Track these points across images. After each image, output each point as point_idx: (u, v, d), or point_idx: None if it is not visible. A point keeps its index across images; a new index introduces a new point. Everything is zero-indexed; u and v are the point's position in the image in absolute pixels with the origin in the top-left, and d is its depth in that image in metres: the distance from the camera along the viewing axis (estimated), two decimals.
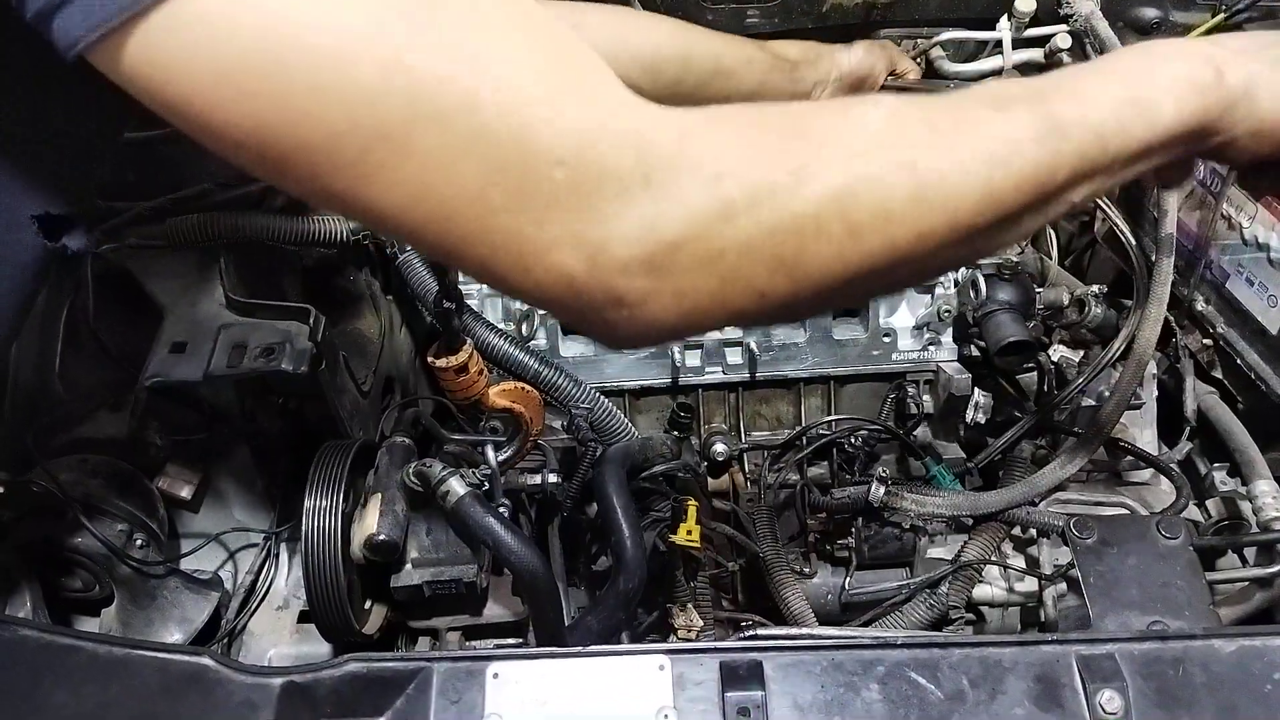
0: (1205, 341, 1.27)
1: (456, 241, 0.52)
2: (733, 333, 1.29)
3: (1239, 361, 1.21)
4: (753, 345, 1.27)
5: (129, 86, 0.50)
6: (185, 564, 1.22)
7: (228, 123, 0.49)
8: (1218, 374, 1.27)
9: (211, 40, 0.47)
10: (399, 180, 0.50)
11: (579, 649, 0.78)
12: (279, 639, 1.18)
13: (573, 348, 1.31)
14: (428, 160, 0.49)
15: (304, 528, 0.98)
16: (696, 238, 0.52)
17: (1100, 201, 1.32)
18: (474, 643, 1.10)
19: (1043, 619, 1.16)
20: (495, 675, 0.76)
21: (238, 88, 0.48)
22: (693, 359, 1.30)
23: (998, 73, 1.31)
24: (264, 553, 1.22)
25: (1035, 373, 1.29)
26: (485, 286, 1.29)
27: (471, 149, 0.49)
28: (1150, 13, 1.28)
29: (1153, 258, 1.22)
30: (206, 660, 0.78)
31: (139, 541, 1.13)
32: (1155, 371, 1.31)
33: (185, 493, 1.19)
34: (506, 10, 0.52)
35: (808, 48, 1.29)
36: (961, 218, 0.55)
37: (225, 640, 1.18)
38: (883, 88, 1.32)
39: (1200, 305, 1.26)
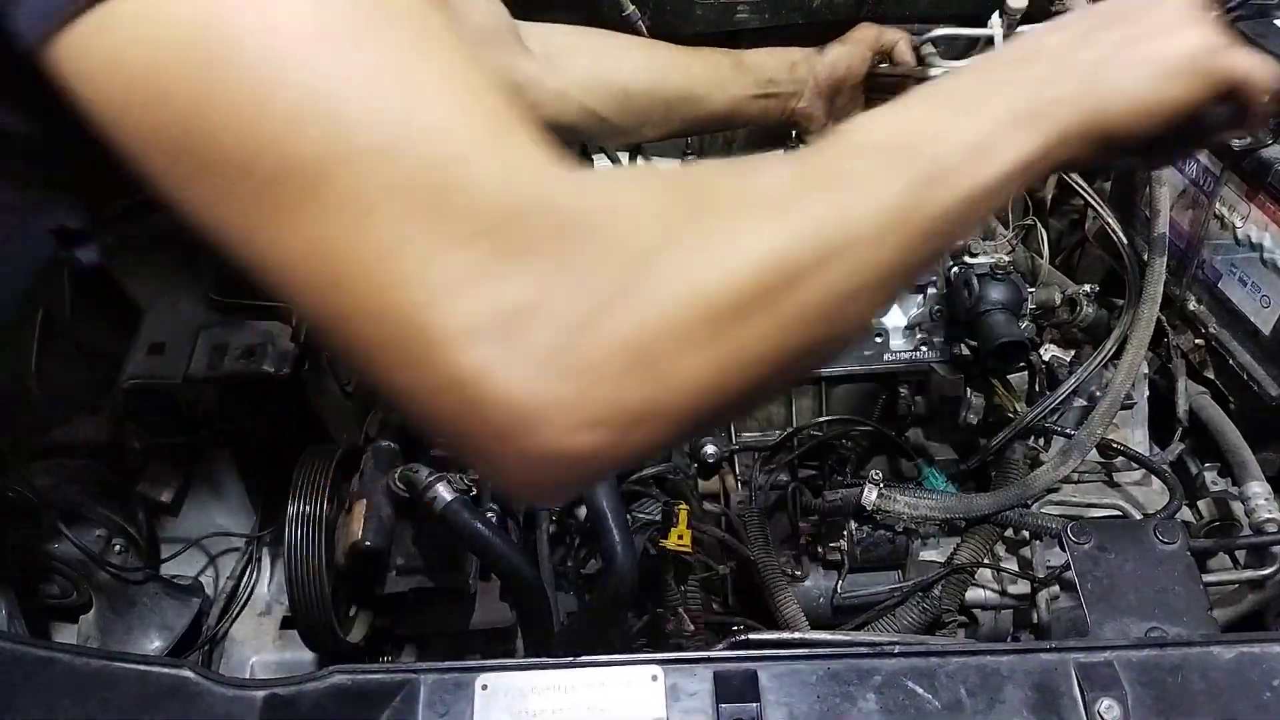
0: (1197, 341, 1.27)
1: (348, 312, 0.46)
2: None
3: (1231, 362, 1.20)
4: None
5: (71, 88, 0.47)
6: (165, 569, 1.20)
7: (143, 125, 0.46)
8: (1210, 374, 1.27)
9: (142, 37, 0.45)
10: (299, 225, 0.45)
11: (570, 659, 0.76)
12: (261, 646, 1.17)
13: None
14: (335, 207, 0.45)
15: (287, 535, 0.96)
16: (619, 318, 0.46)
17: (1091, 200, 1.31)
18: (461, 650, 1.09)
19: (1036, 621, 1.15)
20: (484, 686, 0.74)
21: (159, 88, 0.45)
22: None
23: None
24: (246, 557, 1.21)
25: (1027, 373, 1.28)
26: None
27: (389, 205, 0.45)
28: None
29: (1145, 257, 1.21)
30: (187, 672, 0.76)
31: (118, 547, 1.12)
32: (1147, 372, 1.30)
33: (165, 496, 1.18)
34: (445, 57, 0.49)
35: (782, 59, 1.28)
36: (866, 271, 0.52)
37: (206, 647, 1.16)
38: (876, 76, 1.31)
39: (1192, 305, 1.25)
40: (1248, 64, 0.67)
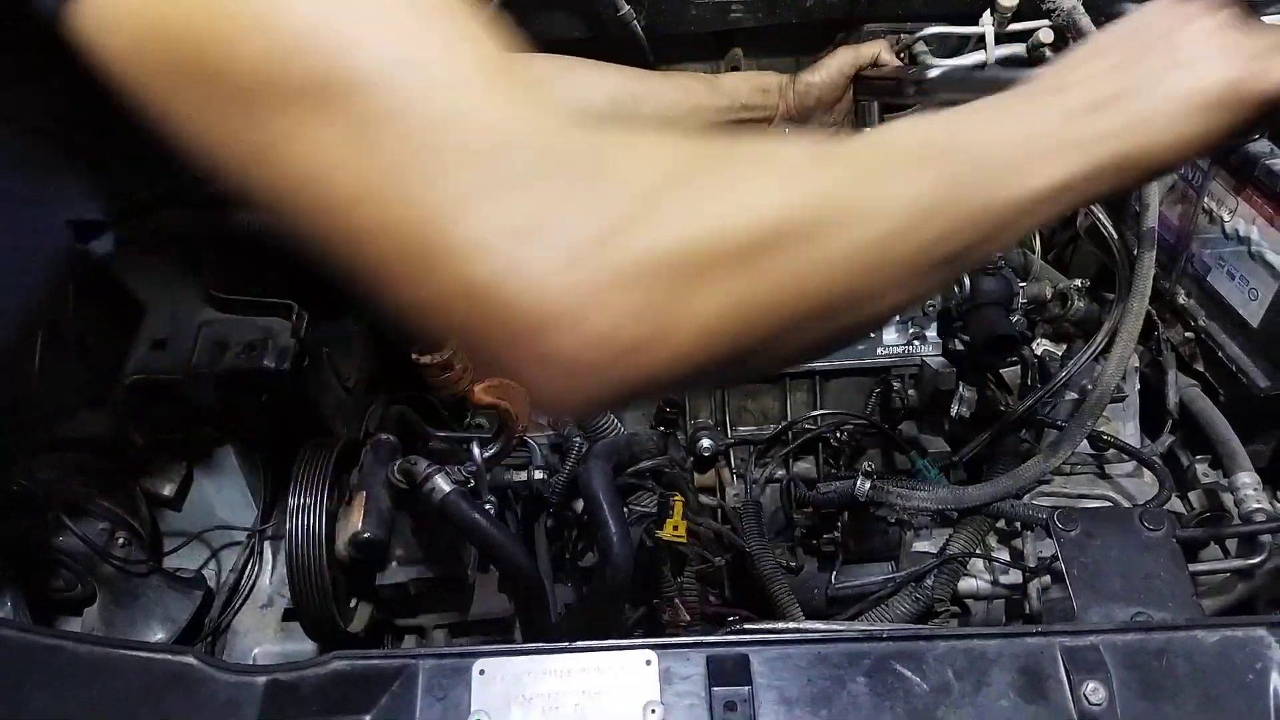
0: (1187, 334, 1.28)
1: (358, 230, 0.48)
2: None
3: (1220, 354, 1.21)
4: None
5: (89, 47, 0.48)
6: (168, 563, 1.21)
7: (160, 66, 0.48)
8: (1199, 367, 1.28)
9: None
10: (310, 145, 0.46)
11: (565, 644, 0.78)
12: (264, 637, 1.18)
13: None
14: (350, 126, 0.46)
15: (288, 527, 0.98)
16: (630, 243, 0.47)
17: None
18: (460, 640, 1.10)
19: (1027, 611, 1.16)
20: (481, 672, 0.75)
21: (175, 24, 0.47)
22: None
23: (981, 68, 1.31)
24: (248, 551, 1.22)
25: (1019, 366, 1.29)
26: None
27: (396, 123, 0.46)
28: (1132, 7, 1.29)
29: (1135, 251, 1.22)
30: (190, 659, 0.77)
31: (121, 540, 1.13)
32: (1138, 364, 1.32)
33: (167, 491, 1.19)
34: (456, 7, 0.50)
35: (756, 83, 1.29)
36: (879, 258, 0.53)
37: (209, 639, 1.17)
38: (863, 78, 1.32)
39: (1182, 298, 1.26)
40: None
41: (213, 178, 0.51)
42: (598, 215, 0.47)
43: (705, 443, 1.32)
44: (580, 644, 0.77)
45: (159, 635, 1.14)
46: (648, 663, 0.75)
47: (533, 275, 0.46)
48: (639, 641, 0.77)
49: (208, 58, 0.47)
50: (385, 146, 0.46)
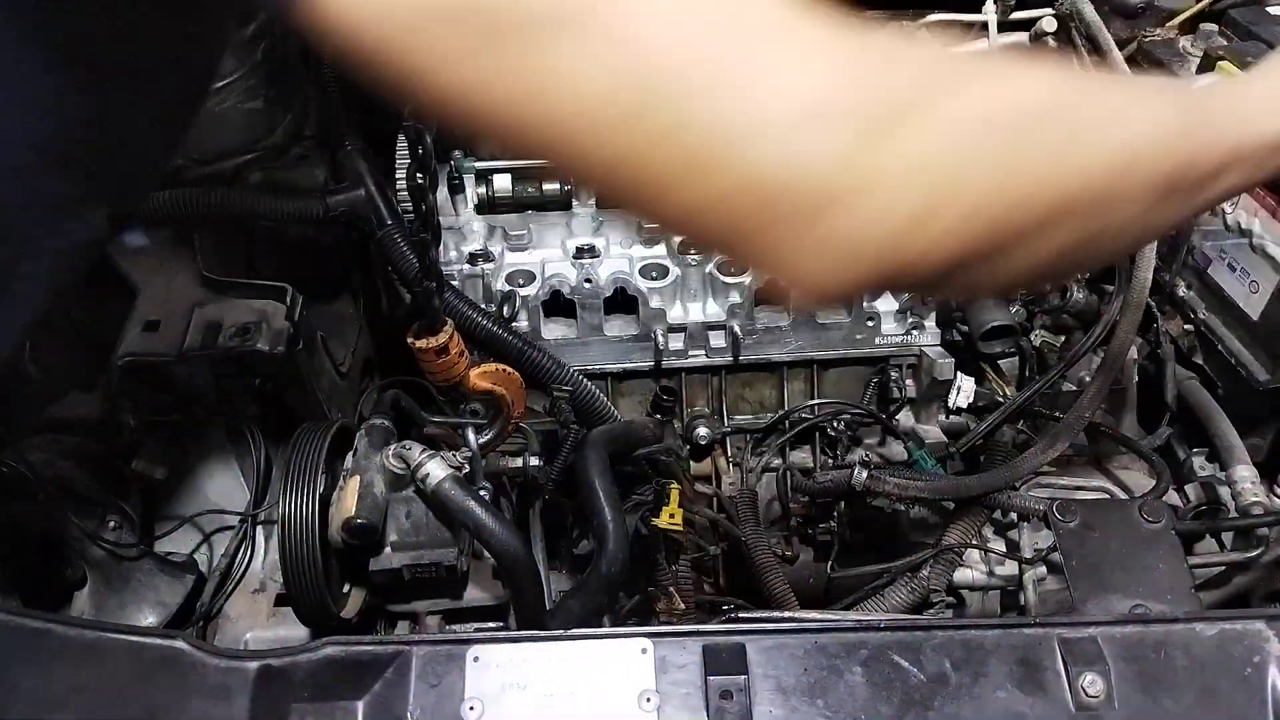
0: (1186, 327, 1.28)
1: (644, 140, 0.49)
2: (716, 315, 1.28)
3: (1220, 347, 1.21)
4: (736, 328, 1.27)
5: (329, 32, 0.48)
6: (160, 546, 1.20)
7: (417, 28, 0.47)
8: (1198, 359, 1.28)
9: None
10: (588, 64, 0.47)
11: (560, 632, 0.77)
12: (255, 622, 1.17)
13: (555, 330, 1.30)
14: (623, 41, 0.47)
15: (280, 511, 0.97)
16: (907, 125, 0.49)
17: None
18: (454, 626, 1.09)
19: (1023, 602, 1.16)
20: (475, 659, 0.75)
21: None
22: (676, 342, 1.29)
23: None
24: (240, 535, 1.21)
25: (1017, 357, 1.29)
26: (466, 266, 1.27)
27: (668, 28, 0.47)
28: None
29: None
30: (180, 644, 0.76)
31: (112, 523, 1.12)
32: (1136, 357, 1.31)
33: (159, 474, 1.17)
34: None
35: None
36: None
37: (201, 623, 1.16)
38: None
39: (1182, 291, 1.26)
40: None
41: (461, 128, 0.52)
42: (880, 92, 0.49)
43: (702, 431, 1.31)
44: (575, 632, 0.77)
45: (150, 619, 1.13)
46: (643, 651, 0.75)
47: (815, 157, 0.48)
48: (634, 630, 0.77)
49: (472, 3, 0.47)
50: (661, 51, 0.47)
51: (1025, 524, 1.18)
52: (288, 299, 1.12)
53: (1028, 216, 0.54)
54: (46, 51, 0.56)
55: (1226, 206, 1.19)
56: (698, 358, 1.31)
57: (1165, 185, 0.59)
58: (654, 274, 1.27)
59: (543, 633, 0.77)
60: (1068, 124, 0.54)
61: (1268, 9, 1.29)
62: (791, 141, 0.48)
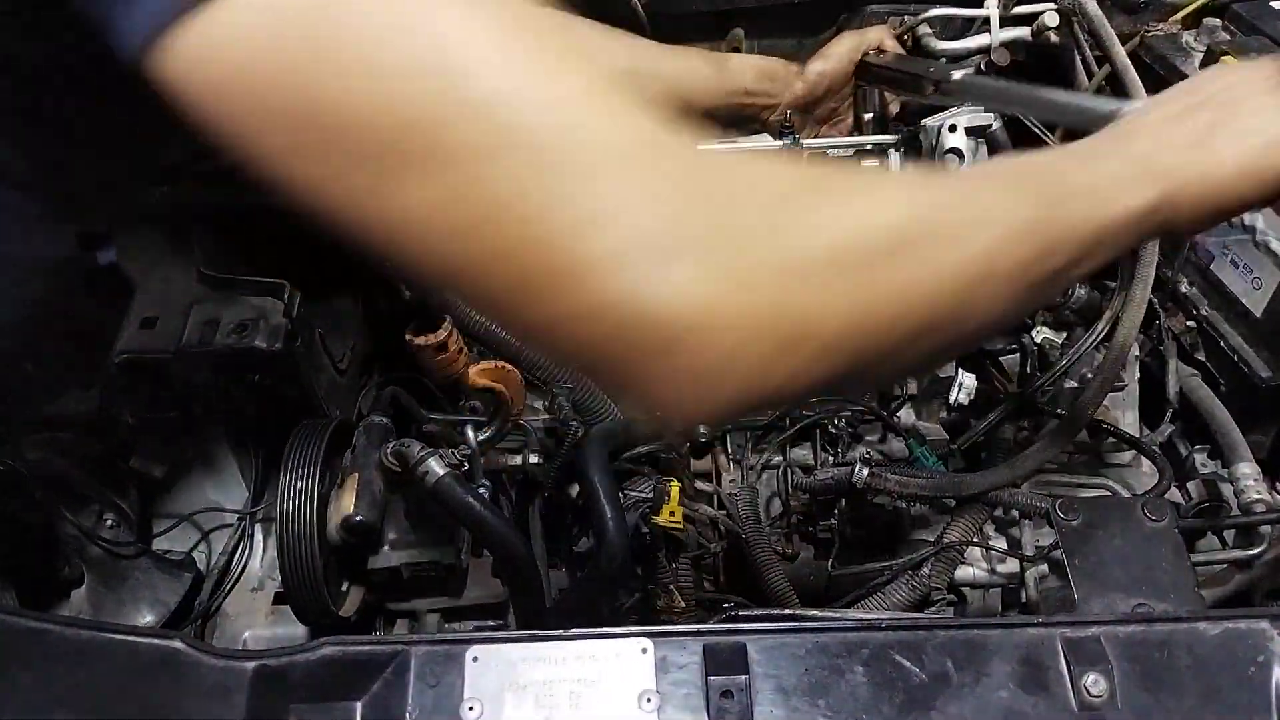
0: (1189, 324, 1.27)
1: (480, 257, 0.48)
2: None
3: (1222, 344, 1.21)
4: None
5: (176, 88, 0.48)
6: (158, 545, 1.20)
7: (257, 109, 0.47)
8: (1201, 356, 1.27)
9: (253, 22, 0.45)
10: (428, 178, 0.46)
11: (560, 631, 0.77)
12: (254, 621, 1.17)
13: None
14: (462, 156, 0.46)
15: (279, 509, 0.97)
16: (755, 265, 0.48)
17: None
18: (453, 625, 1.09)
19: (1024, 600, 1.16)
20: (475, 658, 0.74)
21: (275, 67, 0.46)
22: None
23: (985, 50, 1.30)
24: (238, 533, 1.21)
25: (1018, 354, 1.28)
26: None
27: (512, 147, 0.46)
28: None
29: None
30: (178, 643, 0.76)
31: (109, 522, 1.11)
32: (1138, 353, 1.31)
33: (157, 471, 1.17)
34: (543, 29, 0.50)
35: (762, 71, 1.28)
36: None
37: (199, 622, 1.16)
38: (866, 64, 1.30)
39: (1184, 287, 1.26)
40: None
41: (306, 215, 0.50)
42: (727, 227, 0.48)
43: (702, 428, 1.30)
44: (575, 631, 0.76)
45: (148, 618, 1.13)
46: (643, 651, 0.74)
47: (666, 288, 0.46)
48: (635, 630, 0.76)
49: (311, 103, 0.46)
50: (506, 173, 0.46)
51: (1027, 521, 1.18)
52: (286, 295, 1.11)
53: (885, 341, 0.53)
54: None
55: None
56: None
57: (1025, 281, 0.59)
58: None
59: (542, 632, 0.76)
60: (919, 247, 0.53)
61: (1271, 3, 1.28)
62: (634, 273, 0.46)
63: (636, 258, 0.46)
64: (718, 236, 0.48)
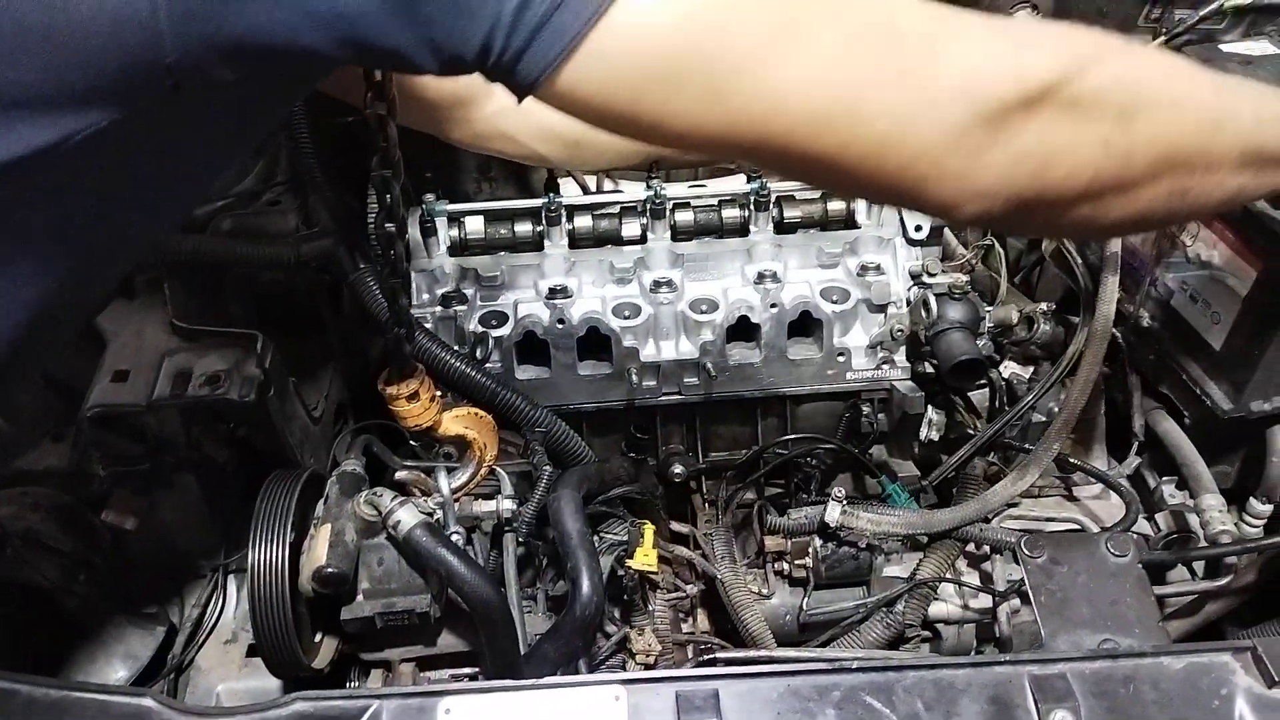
0: (1151, 357, 1.29)
1: (849, 114, 0.62)
2: (689, 353, 1.29)
3: (1184, 376, 1.23)
4: (709, 366, 1.27)
5: (577, 104, 0.62)
6: (130, 598, 1.19)
7: (664, 88, 0.61)
8: (1164, 389, 1.29)
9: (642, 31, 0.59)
10: (807, 60, 0.61)
11: (533, 681, 0.77)
12: (227, 673, 1.16)
13: (528, 371, 1.30)
14: (831, 40, 0.62)
15: (249, 561, 0.96)
16: (1059, 85, 0.64)
17: None
18: (428, 674, 1.09)
19: (998, 635, 1.17)
20: (447, 711, 0.74)
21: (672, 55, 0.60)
22: (649, 380, 1.30)
23: None
24: (211, 585, 1.20)
25: (987, 390, 1.30)
26: (439, 308, 1.27)
27: (864, 33, 0.62)
28: None
29: (1099, 275, 1.23)
30: (149, 701, 0.76)
31: (81, 576, 1.10)
32: (1104, 387, 1.33)
33: (129, 524, 1.16)
34: None
35: None
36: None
37: (172, 675, 1.15)
38: None
39: (1146, 322, 1.28)
40: None
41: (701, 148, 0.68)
42: (1032, 69, 0.65)
43: (677, 469, 1.31)
44: (547, 681, 0.77)
45: (120, 673, 1.12)
46: (616, 699, 0.75)
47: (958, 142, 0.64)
48: (607, 677, 0.77)
49: (703, 81, 0.61)
50: (868, 47, 0.63)
51: (998, 556, 1.19)
52: (259, 346, 1.12)
53: (1128, 176, 0.68)
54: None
55: (1187, 239, 1.21)
56: (671, 395, 1.31)
57: (1253, 156, 0.72)
58: (626, 313, 1.27)
59: (514, 682, 0.77)
60: (1172, 93, 0.70)
61: (1220, 46, 1.32)
62: (931, 135, 0.63)
63: (970, 89, 0.63)
64: (1028, 70, 0.65)
